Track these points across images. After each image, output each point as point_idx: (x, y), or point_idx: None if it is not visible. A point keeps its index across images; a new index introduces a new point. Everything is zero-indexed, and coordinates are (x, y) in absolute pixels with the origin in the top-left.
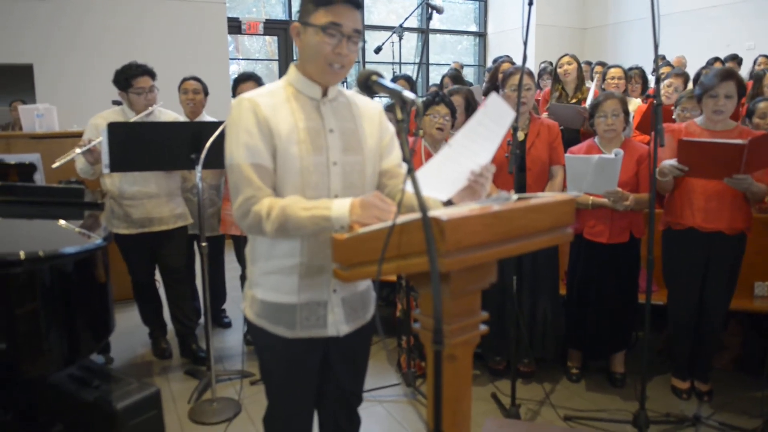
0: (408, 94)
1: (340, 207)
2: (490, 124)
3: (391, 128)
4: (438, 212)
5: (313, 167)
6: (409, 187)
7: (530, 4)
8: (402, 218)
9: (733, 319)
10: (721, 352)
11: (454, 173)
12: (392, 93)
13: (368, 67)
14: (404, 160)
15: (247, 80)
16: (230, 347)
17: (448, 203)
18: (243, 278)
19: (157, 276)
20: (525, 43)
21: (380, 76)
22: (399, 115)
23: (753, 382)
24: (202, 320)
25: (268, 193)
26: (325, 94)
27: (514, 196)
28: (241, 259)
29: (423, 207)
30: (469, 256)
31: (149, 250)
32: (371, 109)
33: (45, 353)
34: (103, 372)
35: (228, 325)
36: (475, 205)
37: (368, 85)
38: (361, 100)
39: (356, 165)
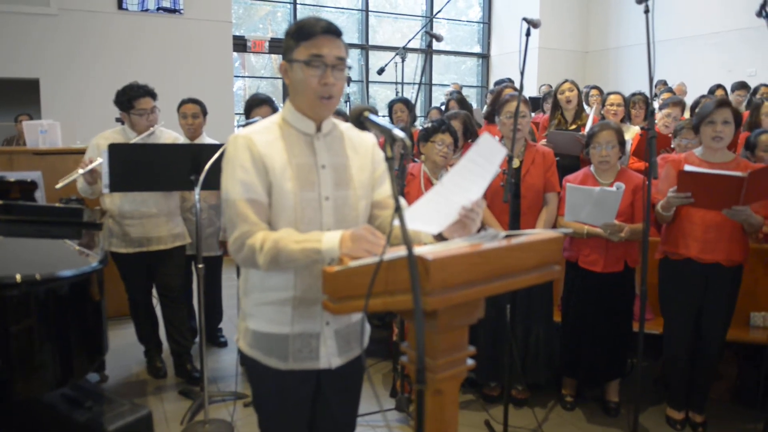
0: (398, 133)
1: (330, 240)
2: (482, 162)
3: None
4: (424, 250)
5: (305, 203)
6: (397, 223)
7: (527, 35)
8: (389, 255)
9: (728, 349)
10: (717, 382)
11: (446, 208)
12: (383, 130)
13: (371, 87)
14: (393, 197)
15: (261, 104)
16: (225, 367)
17: (440, 237)
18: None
19: (154, 294)
20: (522, 73)
21: (372, 112)
22: (389, 153)
23: (748, 413)
24: (197, 339)
25: (263, 228)
26: (319, 129)
27: (502, 233)
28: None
29: (409, 246)
30: (455, 294)
31: (147, 269)
32: (365, 142)
33: (38, 374)
34: (96, 393)
35: (224, 344)
36: (464, 242)
37: (360, 121)
38: (355, 133)
39: (348, 199)
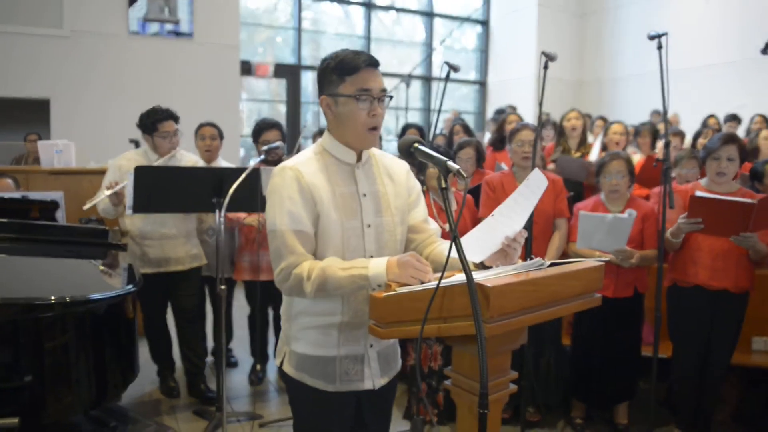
0: (452, 165)
1: (377, 266)
2: (529, 194)
3: (417, 185)
4: (481, 277)
5: (350, 231)
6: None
7: (545, 68)
8: (445, 281)
9: (731, 372)
10: (720, 405)
11: (490, 238)
12: (436, 162)
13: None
14: (450, 227)
15: (271, 128)
16: (236, 387)
17: (481, 265)
18: (251, 318)
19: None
20: (540, 104)
21: (421, 143)
22: (443, 184)
23: None
24: (209, 359)
25: (309, 258)
26: (359, 158)
27: (547, 263)
28: (251, 301)
29: (469, 274)
30: (510, 321)
31: (163, 290)
32: (398, 169)
33: (73, 395)
34: (121, 413)
35: (234, 364)
36: (509, 269)
37: (410, 152)
38: (389, 160)
39: (387, 226)
